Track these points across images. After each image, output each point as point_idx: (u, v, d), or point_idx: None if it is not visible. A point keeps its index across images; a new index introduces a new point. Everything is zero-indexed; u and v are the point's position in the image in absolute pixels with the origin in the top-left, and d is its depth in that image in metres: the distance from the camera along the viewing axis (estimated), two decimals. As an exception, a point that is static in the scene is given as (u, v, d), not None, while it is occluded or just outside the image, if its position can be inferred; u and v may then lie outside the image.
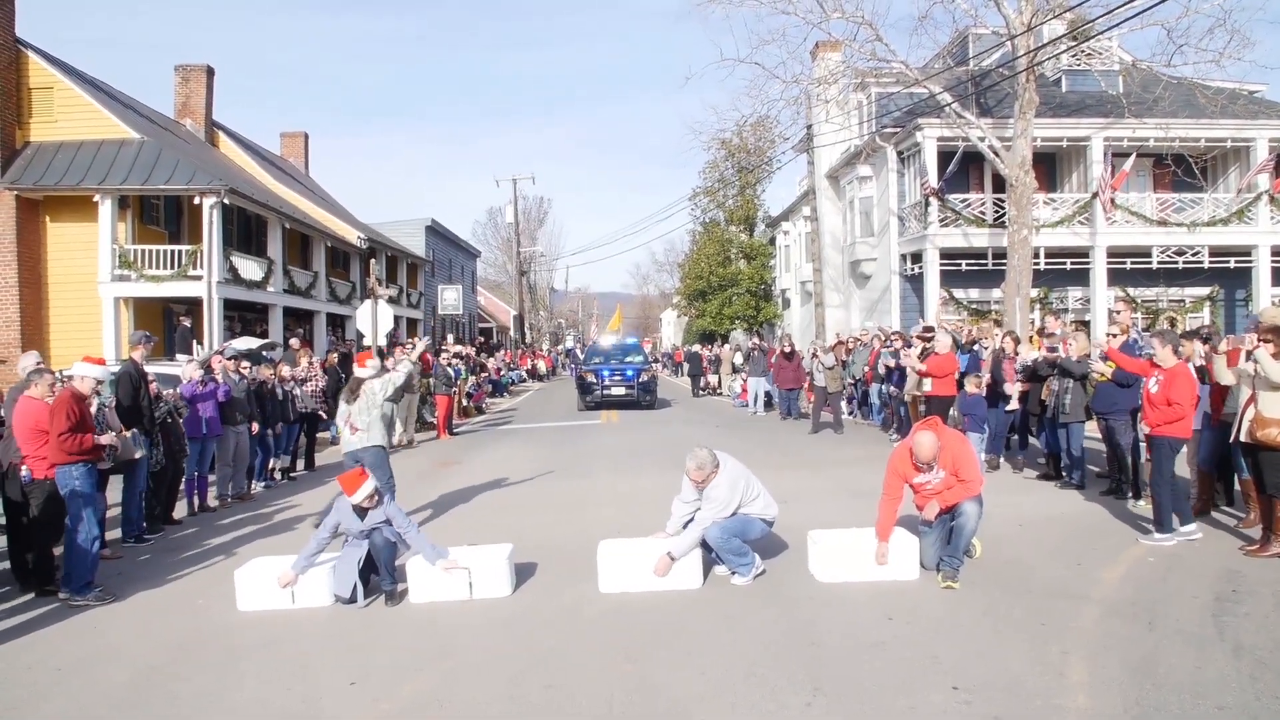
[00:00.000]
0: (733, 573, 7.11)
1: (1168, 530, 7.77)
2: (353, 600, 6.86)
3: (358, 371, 9.46)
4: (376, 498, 7.07)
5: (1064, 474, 10.93)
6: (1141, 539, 7.89)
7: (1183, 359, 8.06)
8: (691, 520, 7.21)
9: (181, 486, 10.93)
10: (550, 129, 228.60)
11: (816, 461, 13.82)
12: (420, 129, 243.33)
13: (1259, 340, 7.31)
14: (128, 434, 8.79)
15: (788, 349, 20.61)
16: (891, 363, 16.11)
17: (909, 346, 15.21)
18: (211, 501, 11.48)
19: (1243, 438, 7.50)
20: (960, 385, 12.58)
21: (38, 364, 8.16)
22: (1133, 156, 25.19)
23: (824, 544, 7.14)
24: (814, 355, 19.16)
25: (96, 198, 22.53)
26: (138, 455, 9.06)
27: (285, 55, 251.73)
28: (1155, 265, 26.27)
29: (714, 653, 5.57)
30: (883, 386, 17.11)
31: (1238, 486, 8.87)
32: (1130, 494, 9.74)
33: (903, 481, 7.15)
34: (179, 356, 18.99)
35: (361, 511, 7.01)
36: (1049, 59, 23.74)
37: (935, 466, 7.00)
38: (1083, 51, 25.98)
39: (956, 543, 6.85)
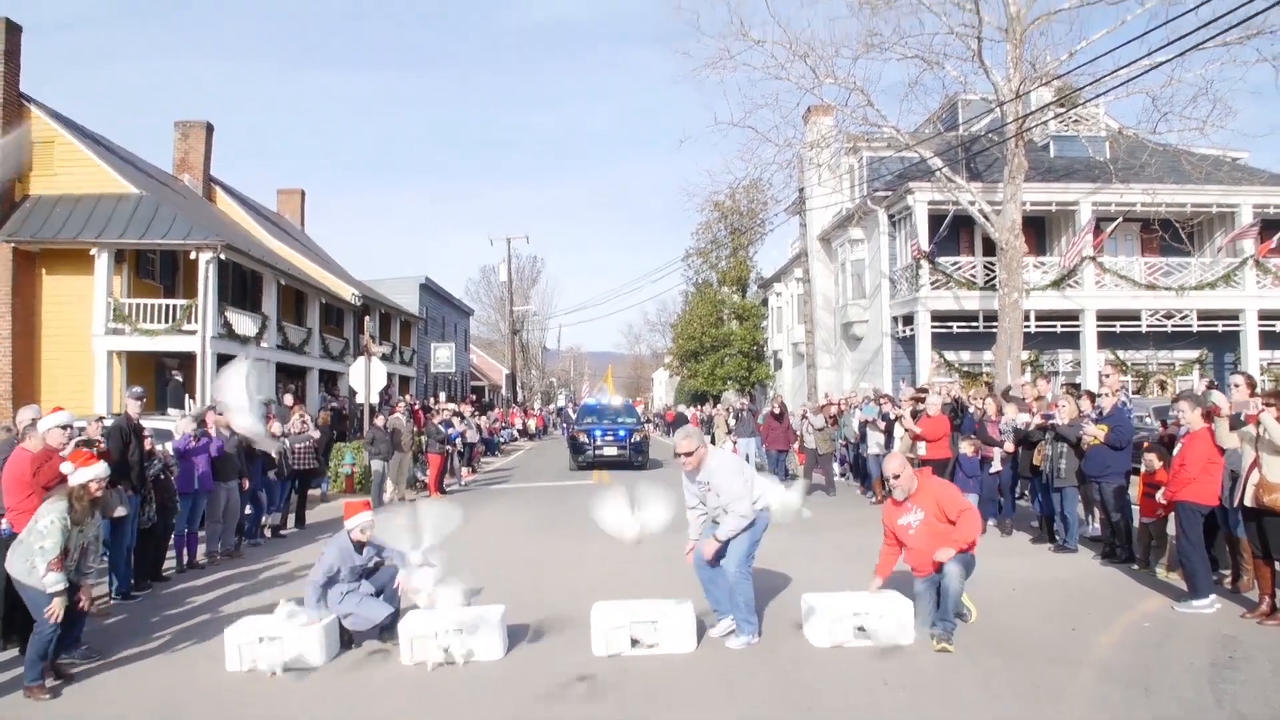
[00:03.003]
0: (729, 632, 7.08)
1: (1204, 596, 7.66)
2: (352, 645, 7.12)
3: (77, 475, 6.62)
4: (369, 532, 7.24)
5: (1057, 538, 10.91)
6: (1177, 606, 7.76)
7: (1208, 423, 8.05)
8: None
9: (171, 542, 10.83)
10: (545, 189, 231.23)
11: (808, 524, 13.68)
12: (416, 188, 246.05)
13: (1264, 404, 7.32)
14: (110, 491, 8.71)
15: (776, 410, 20.62)
16: (869, 418, 16.18)
17: (896, 407, 15.28)
18: (201, 558, 11.37)
19: (1247, 502, 7.46)
20: (955, 447, 12.62)
21: (34, 419, 8.13)
22: (1118, 221, 25.57)
23: (818, 607, 7.10)
24: (803, 416, 19.17)
25: (93, 251, 22.63)
26: (119, 513, 8.97)
27: (284, 113, 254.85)
28: (1144, 328, 26.48)
29: (709, 716, 5.52)
30: (860, 447, 17.17)
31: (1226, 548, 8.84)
32: (1125, 558, 9.75)
33: (892, 529, 7.25)
34: (170, 411, 18.96)
35: (359, 545, 7.21)
36: (1037, 125, 24.17)
37: (914, 505, 7.09)
38: (1070, 118, 26.46)
39: (945, 604, 6.82)
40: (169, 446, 10.90)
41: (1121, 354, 26.91)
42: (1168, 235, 26.10)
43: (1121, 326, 26.48)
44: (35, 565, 6.21)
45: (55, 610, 6.17)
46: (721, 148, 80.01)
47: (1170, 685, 5.84)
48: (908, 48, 21.78)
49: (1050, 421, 10.93)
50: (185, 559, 11.08)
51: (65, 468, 6.76)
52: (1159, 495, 8.87)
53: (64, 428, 7.68)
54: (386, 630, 7.22)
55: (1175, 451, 8.24)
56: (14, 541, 6.54)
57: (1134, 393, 24.80)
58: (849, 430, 18.31)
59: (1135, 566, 9.53)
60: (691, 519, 7.45)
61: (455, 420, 21.69)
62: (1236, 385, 8.45)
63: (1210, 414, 8.00)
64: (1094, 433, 10.00)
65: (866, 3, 21.36)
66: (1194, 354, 27.56)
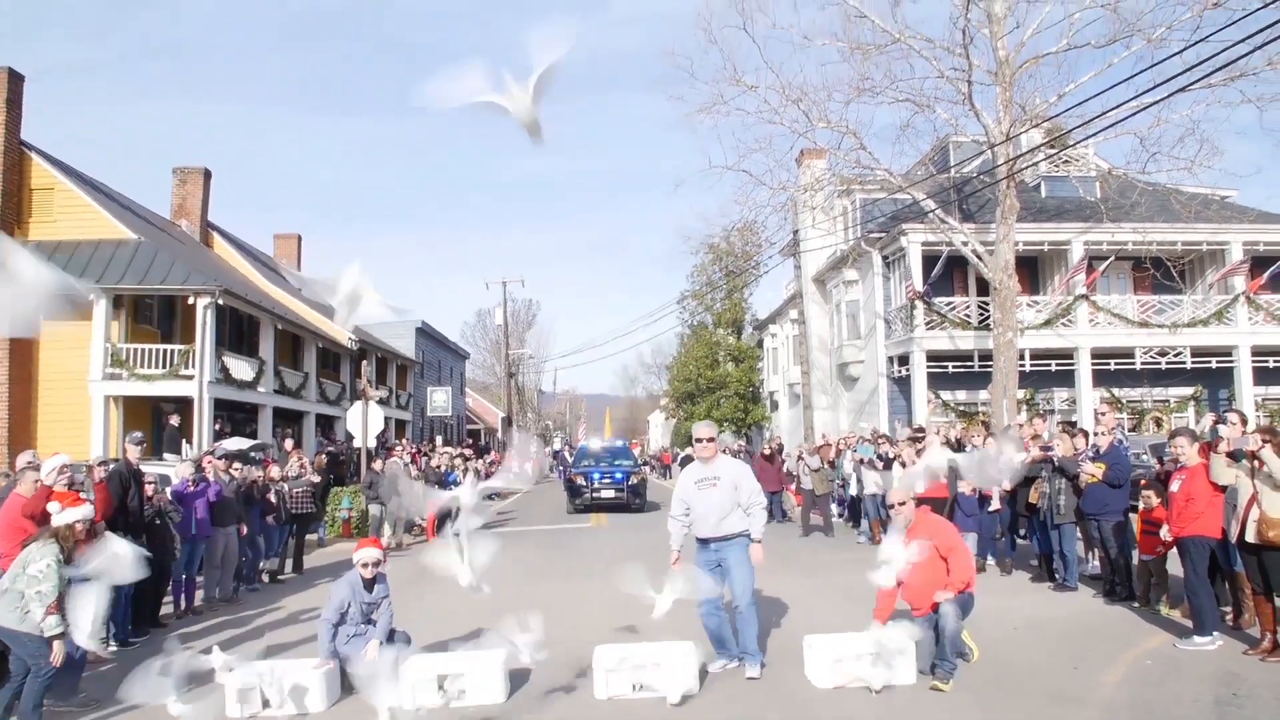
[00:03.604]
0: (731, 666, 7.25)
1: (1208, 633, 7.65)
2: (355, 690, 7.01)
3: (63, 516, 6.68)
4: (377, 566, 7.33)
5: (1057, 576, 10.90)
6: (1179, 644, 7.76)
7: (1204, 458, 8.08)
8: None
9: (169, 588, 10.79)
10: (540, 232, 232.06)
11: (808, 565, 13.72)
12: (411, 232, 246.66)
13: (1263, 440, 7.37)
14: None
15: (767, 452, 20.65)
16: (864, 458, 16.21)
17: (894, 445, 15.34)
18: (199, 604, 11.31)
19: (1249, 538, 7.48)
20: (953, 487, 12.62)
21: (29, 464, 8.16)
22: (1110, 260, 25.80)
23: (820, 649, 7.09)
24: (799, 457, 19.19)
25: (91, 296, 22.66)
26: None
27: (282, 160, 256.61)
28: (1139, 366, 26.61)
29: (713, 759, 5.49)
30: (850, 486, 17.19)
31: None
32: (1125, 596, 9.74)
33: None
34: (167, 456, 18.92)
35: (368, 583, 7.27)
36: (1028, 166, 24.44)
37: (910, 541, 7.13)
38: (1060, 159, 26.75)
39: (943, 645, 6.82)
40: (167, 491, 10.90)
41: (1116, 391, 27.00)
42: (1159, 274, 26.30)
43: (1116, 364, 26.61)
44: (30, 611, 6.13)
45: (57, 654, 6.13)
46: (716, 191, 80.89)
47: (1174, 723, 5.84)
48: (899, 91, 22.10)
49: (1050, 454, 10.97)
50: (183, 604, 11.04)
51: (51, 508, 6.79)
52: (1161, 533, 8.86)
53: (57, 469, 7.72)
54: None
55: (1176, 487, 8.25)
56: None
57: (1130, 430, 24.86)
58: (843, 471, 18.33)
59: (1136, 604, 9.52)
60: (674, 529, 7.66)
61: (458, 461, 21.73)
62: (1233, 423, 8.50)
63: (1205, 449, 8.05)
64: (1091, 470, 10.04)
65: (858, 48, 21.69)
66: (1189, 391, 27.65)
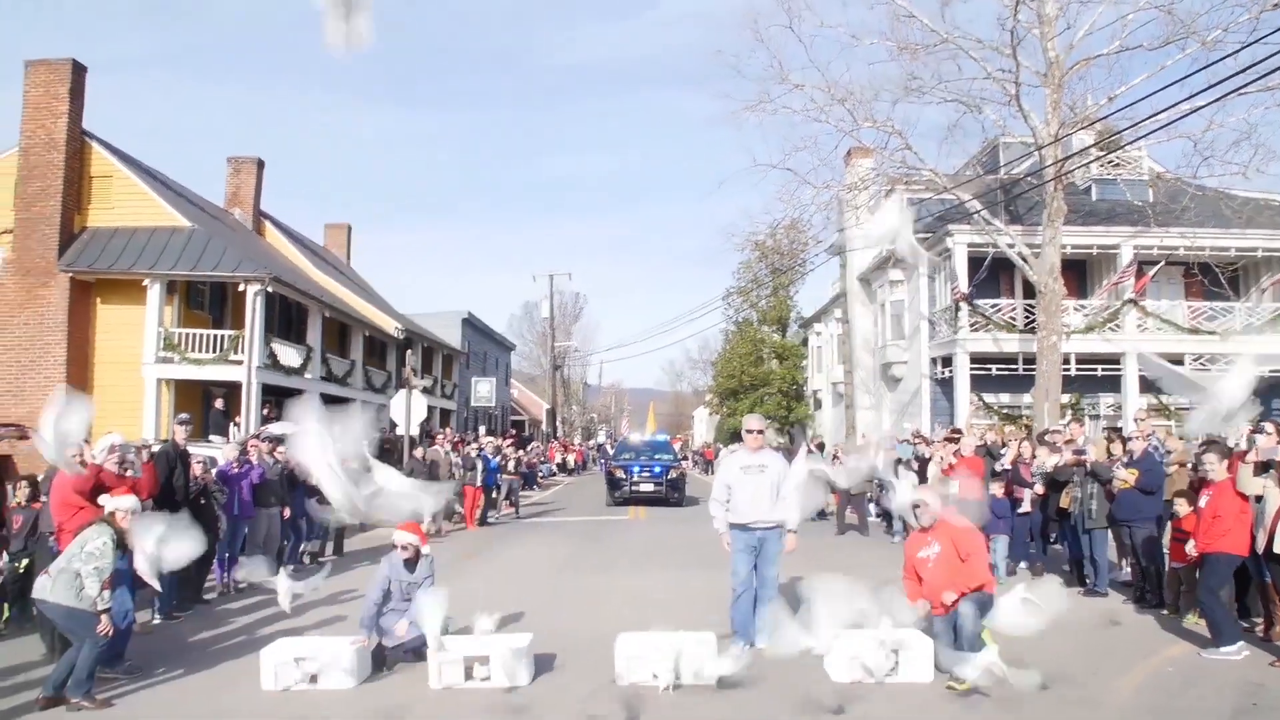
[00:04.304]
0: (749, 645, 7.50)
1: (1230, 643, 7.61)
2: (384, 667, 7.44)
3: (110, 504, 7.12)
4: (414, 550, 7.64)
5: (1087, 581, 10.85)
6: (1203, 653, 7.72)
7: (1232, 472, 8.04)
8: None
9: (214, 565, 11.13)
10: (588, 226, 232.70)
11: (840, 563, 13.73)
12: (460, 224, 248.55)
13: None
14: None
15: (807, 450, 20.67)
16: (900, 457, 16.16)
17: (929, 445, 15.32)
18: (241, 582, 11.62)
19: (1277, 550, 7.43)
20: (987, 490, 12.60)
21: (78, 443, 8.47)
22: (1160, 264, 25.40)
23: (841, 644, 7.17)
24: (835, 457, 19.18)
25: (146, 282, 23.26)
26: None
27: (334, 150, 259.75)
28: (1189, 373, 26.09)
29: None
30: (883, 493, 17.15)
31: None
32: (1155, 604, 9.69)
33: (912, 561, 7.46)
34: (213, 438, 19.37)
35: (409, 564, 7.60)
36: (1078, 168, 24.14)
37: (932, 539, 7.32)
38: (1110, 162, 26.36)
39: (961, 644, 6.87)
40: (212, 471, 11.22)
41: (1165, 399, 26.55)
42: (1206, 280, 25.85)
43: (1165, 371, 26.11)
44: (86, 586, 6.51)
45: (106, 625, 6.53)
46: (761, 188, 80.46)
47: (1189, 728, 5.85)
48: (947, 91, 21.97)
49: (1084, 457, 10.92)
50: (228, 583, 11.37)
51: (103, 499, 7.26)
52: (1187, 547, 8.81)
53: (108, 450, 8.06)
54: (415, 653, 7.41)
55: (1204, 503, 8.19)
56: (52, 571, 6.73)
57: (1180, 438, 24.43)
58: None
59: (1165, 612, 9.47)
60: (716, 512, 8.02)
61: (508, 450, 22.10)
62: (1268, 433, 8.43)
63: (1235, 460, 8.00)
64: (1124, 477, 9.98)
65: (906, 48, 21.59)
66: (1240, 400, 27.04)
